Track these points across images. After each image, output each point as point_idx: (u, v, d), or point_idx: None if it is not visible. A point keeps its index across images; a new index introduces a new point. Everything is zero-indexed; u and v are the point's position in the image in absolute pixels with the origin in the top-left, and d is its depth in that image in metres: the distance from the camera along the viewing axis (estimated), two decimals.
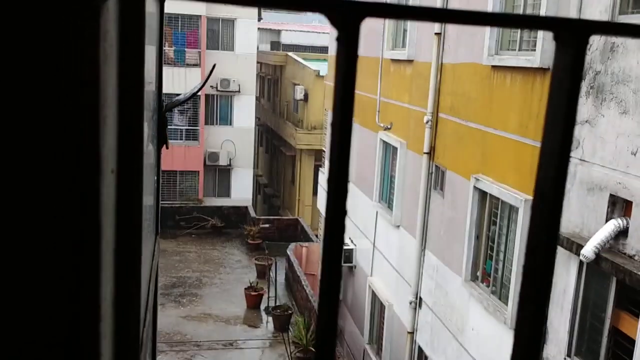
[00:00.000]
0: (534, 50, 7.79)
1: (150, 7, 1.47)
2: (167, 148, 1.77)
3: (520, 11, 8.30)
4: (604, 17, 6.49)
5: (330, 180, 0.46)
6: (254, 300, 17.48)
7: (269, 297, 17.35)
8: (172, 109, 2.20)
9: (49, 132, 0.49)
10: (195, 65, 25.39)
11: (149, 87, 1.50)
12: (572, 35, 0.49)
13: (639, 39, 0.57)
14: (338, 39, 0.45)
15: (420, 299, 11.13)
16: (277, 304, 17.04)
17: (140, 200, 0.75)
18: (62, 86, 0.47)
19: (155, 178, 1.65)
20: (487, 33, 8.80)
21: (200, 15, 25.36)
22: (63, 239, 0.53)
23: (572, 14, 6.96)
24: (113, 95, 0.61)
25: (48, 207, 0.51)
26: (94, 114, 0.49)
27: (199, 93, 24.86)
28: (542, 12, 7.50)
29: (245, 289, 17.75)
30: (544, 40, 7.46)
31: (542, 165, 0.51)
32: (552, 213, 0.54)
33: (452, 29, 10.14)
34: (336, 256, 0.49)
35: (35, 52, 0.46)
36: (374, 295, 13.48)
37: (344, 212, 0.49)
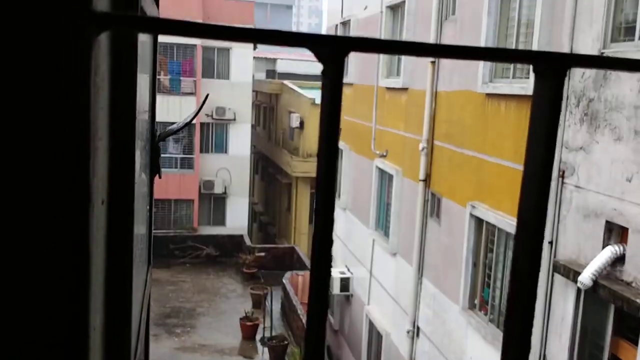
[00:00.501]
0: (528, 77, 7.87)
1: (143, 35, 1.47)
2: (159, 177, 1.76)
3: (514, 38, 8.41)
4: (596, 45, 6.57)
5: (317, 212, 0.47)
6: (249, 330, 17.29)
7: (264, 327, 17.17)
8: (165, 139, 2.20)
9: (39, 164, 0.49)
10: (190, 93, 25.54)
11: (143, 115, 1.50)
12: (551, 68, 0.50)
13: (618, 71, 0.58)
14: (323, 73, 0.46)
15: (418, 327, 11.03)
16: (273, 334, 16.85)
17: (131, 230, 0.74)
18: (53, 120, 0.47)
19: (148, 207, 1.64)
20: (481, 61, 8.89)
21: (195, 45, 25.61)
22: (52, 269, 0.52)
23: (565, 41, 7.05)
24: (104, 127, 0.61)
25: (37, 237, 0.51)
26: (85, 146, 0.48)
27: (193, 121, 24.97)
28: (535, 40, 7.59)
29: (241, 319, 17.56)
30: None
31: (524, 195, 0.52)
32: (534, 240, 0.54)
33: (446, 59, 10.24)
34: (324, 283, 0.49)
35: (28, 86, 0.46)
36: (371, 324, 13.35)
37: (330, 242, 0.49)
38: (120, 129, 0.68)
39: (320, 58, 0.46)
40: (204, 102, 2.99)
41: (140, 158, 1.38)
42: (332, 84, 0.46)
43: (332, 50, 0.46)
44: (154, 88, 2.00)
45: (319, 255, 0.48)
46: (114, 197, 0.68)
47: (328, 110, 0.46)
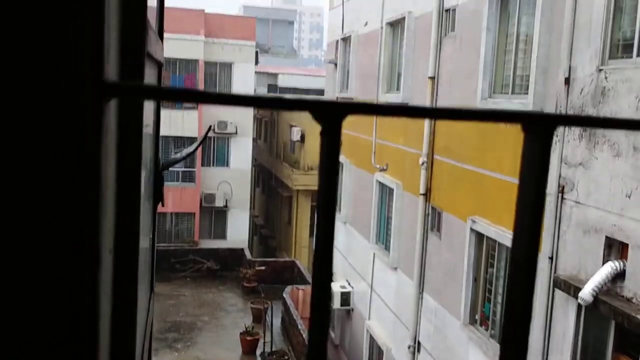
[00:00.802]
0: (527, 93, 7.92)
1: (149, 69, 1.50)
2: (162, 205, 1.79)
3: (512, 55, 8.46)
4: (595, 61, 6.63)
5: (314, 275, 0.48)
6: (249, 345, 17.22)
7: (264, 342, 17.09)
8: (168, 168, 2.23)
9: (52, 223, 0.51)
10: (192, 108, 25.63)
11: (148, 140, 1.52)
12: (539, 128, 0.52)
13: (602, 129, 0.60)
14: (321, 134, 0.49)
15: (419, 343, 10.99)
16: (274, 349, 16.78)
17: (136, 278, 0.77)
18: (65, 185, 0.50)
19: (151, 236, 1.66)
20: (480, 76, 8.95)
21: (198, 60, 25.74)
22: (59, 323, 0.53)
23: (563, 58, 7.10)
24: (112, 182, 0.63)
25: (45, 292, 0.52)
26: (95, 206, 0.51)
27: (195, 136, 25.02)
28: (534, 56, 7.65)
29: (241, 333, 17.49)
30: (536, 84, 7.59)
31: (515, 244, 0.54)
32: (527, 283, 0.55)
33: (445, 73, 10.30)
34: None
35: (42, 156, 0.49)
36: (371, 340, 13.30)
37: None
38: (126, 181, 0.71)
39: (319, 120, 0.50)
40: (207, 133, 3.03)
41: (144, 188, 1.41)
42: (330, 144, 0.48)
43: (331, 113, 0.49)
44: (159, 112, 2.01)
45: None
46: (120, 245, 0.71)
47: (326, 168, 0.49)
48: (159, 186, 1.67)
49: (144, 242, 1.42)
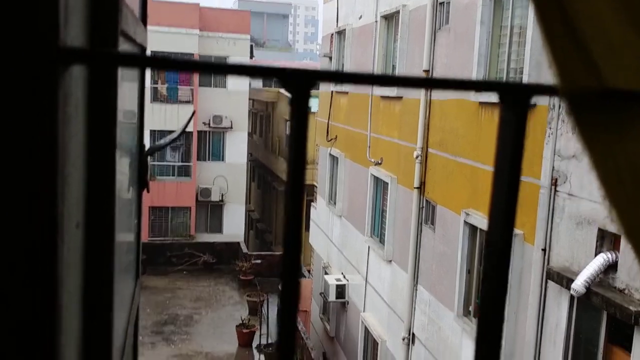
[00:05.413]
0: None
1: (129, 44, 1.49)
2: (147, 192, 1.79)
3: (507, 47, 8.47)
4: None
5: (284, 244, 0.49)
6: (245, 337, 17.27)
7: (261, 334, 17.15)
8: (153, 153, 2.23)
9: (3, 195, 0.50)
10: (187, 102, 25.58)
11: (129, 129, 1.52)
12: (515, 97, 0.53)
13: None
14: (291, 103, 0.50)
15: (413, 334, 11.03)
16: (270, 341, 16.83)
17: (112, 251, 0.77)
18: (19, 152, 0.49)
19: (136, 221, 1.66)
20: (475, 68, 8.95)
21: (192, 54, 25.66)
22: (15, 300, 0.51)
23: None
24: (79, 153, 0.63)
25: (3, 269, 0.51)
26: (51, 175, 0.50)
27: (191, 129, 24.98)
28: (527, 48, 7.65)
29: (237, 326, 17.54)
30: (530, 76, 7.59)
31: (492, 221, 0.56)
32: (500, 271, 0.56)
33: (440, 65, 10.30)
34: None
35: None
36: (366, 332, 13.35)
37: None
38: (98, 153, 0.71)
39: (288, 89, 0.50)
40: (190, 118, 3.03)
41: (127, 173, 1.41)
42: (299, 111, 0.49)
43: (299, 81, 0.49)
44: (143, 99, 1.99)
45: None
46: (92, 220, 0.70)
47: (295, 135, 0.50)
48: (143, 172, 1.67)
49: (128, 228, 1.42)
